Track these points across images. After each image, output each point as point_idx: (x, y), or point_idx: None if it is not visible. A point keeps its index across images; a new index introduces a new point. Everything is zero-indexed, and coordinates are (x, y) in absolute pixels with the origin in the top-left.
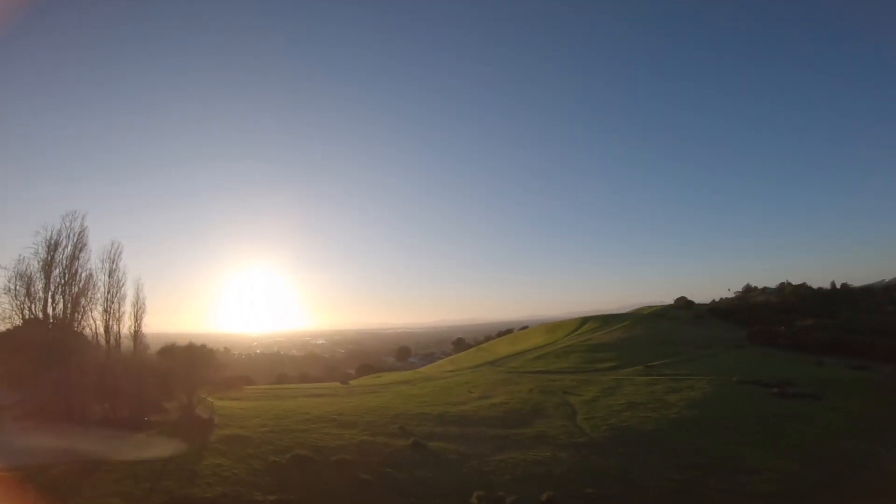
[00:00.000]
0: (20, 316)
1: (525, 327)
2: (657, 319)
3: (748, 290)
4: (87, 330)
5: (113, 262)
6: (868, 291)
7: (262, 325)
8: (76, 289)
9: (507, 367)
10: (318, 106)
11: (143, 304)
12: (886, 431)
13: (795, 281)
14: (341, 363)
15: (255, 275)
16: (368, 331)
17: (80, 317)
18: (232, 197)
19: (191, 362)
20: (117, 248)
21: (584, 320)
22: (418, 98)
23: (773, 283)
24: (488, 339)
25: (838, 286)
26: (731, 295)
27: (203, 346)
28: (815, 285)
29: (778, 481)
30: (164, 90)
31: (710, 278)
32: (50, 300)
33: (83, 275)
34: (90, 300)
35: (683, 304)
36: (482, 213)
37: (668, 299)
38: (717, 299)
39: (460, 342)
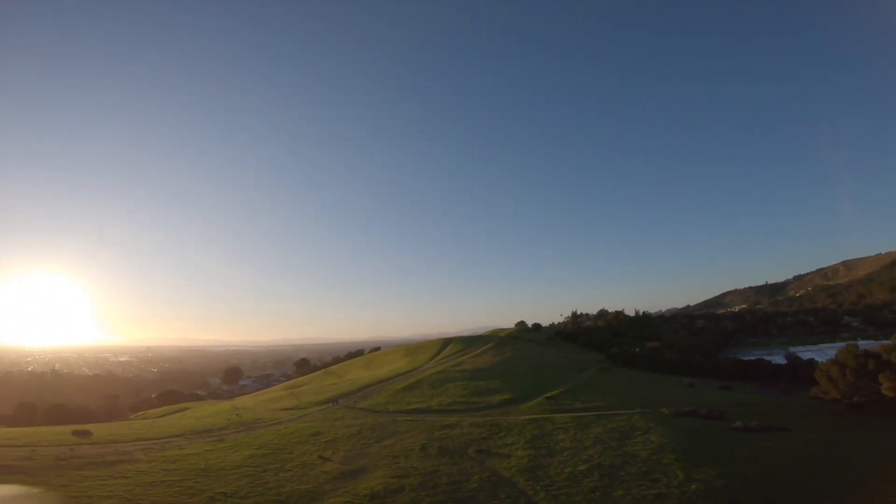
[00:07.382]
0: None
1: (377, 349)
2: (516, 342)
3: (576, 315)
4: None
5: None
6: (663, 318)
7: (46, 337)
8: None
9: (371, 404)
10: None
11: None
12: None
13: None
14: (149, 386)
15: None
16: (194, 348)
17: None
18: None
19: None
20: None
21: (447, 342)
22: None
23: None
24: (337, 360)
25: (640, 313)
26: (563, 319)
27: None
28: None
29: None
30: None
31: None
32: None
33: None
34: None
35: (532, 327)
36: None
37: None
38: (554, 323)
39: (304, 363)
